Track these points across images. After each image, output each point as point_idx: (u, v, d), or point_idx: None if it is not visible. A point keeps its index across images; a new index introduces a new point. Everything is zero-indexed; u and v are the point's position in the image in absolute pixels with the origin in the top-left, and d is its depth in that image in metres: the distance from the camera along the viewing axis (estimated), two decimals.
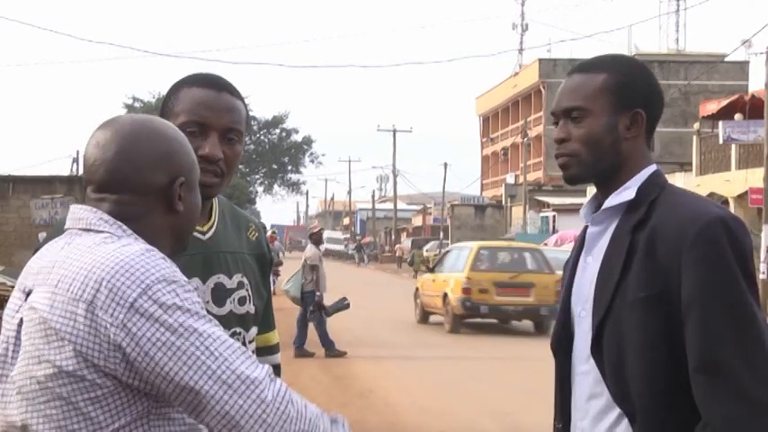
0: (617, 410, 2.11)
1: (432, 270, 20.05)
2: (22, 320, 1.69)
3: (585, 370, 2.19)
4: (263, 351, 2.47)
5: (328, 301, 14.56)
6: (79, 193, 25.43)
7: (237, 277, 2.33)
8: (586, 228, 2.30)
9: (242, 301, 2.32)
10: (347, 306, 14.80)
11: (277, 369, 2.51)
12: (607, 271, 2.14)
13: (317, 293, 14.32)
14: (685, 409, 2.02)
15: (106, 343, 1.60)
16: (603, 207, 2.22)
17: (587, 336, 2.18)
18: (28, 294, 1.70)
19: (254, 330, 2.37)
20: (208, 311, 2.23)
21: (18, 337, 1.69)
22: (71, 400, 1.61)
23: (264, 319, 2.48)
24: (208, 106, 2.22)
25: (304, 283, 14.43)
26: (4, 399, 1.69)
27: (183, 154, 1.80)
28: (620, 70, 2.23)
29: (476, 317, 18.02)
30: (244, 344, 2.32)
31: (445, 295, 18.24)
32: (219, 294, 2.28)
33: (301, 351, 14.30)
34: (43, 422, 1.63)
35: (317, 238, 15.21)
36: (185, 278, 1.71)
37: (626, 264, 2.11)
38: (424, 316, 19.66)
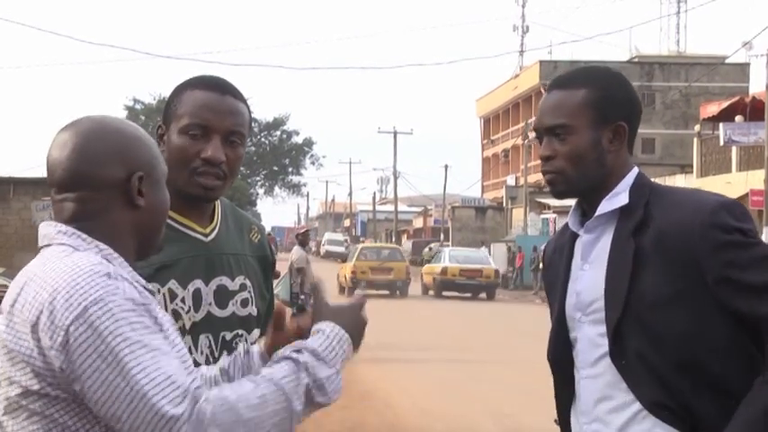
0: (631, 410, 2.14)
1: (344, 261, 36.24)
2: None
3: (593, 374, 2.21)
4: None
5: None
6: None
7: (240, 279, 2.33)
8: (571, 235, 2.32)
9: (244, 303, 2.32)
10: None
11: None
12: (616, 276, 2.16)
13: (302, 296, 14.23)
14: (726, 396, 2.08)
15: (51, 365, 1.61)
16: (597, 214, 2.23)
17: (594, 340, 2.20)
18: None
19: (256, 332, 2.37)
20: (210, 313, 2.26)
21: None
22: (45, 413, 1.64)
23: (267, 321, 2.48)
24: (211, 109, 2.23)
25: (293, 285, 14.37)
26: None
27: (140, 149, 1.79)
28: (599, 84, 2.25)
29: (358, 287, 25.25)
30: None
31: (344, 274, 32.96)
32: (222, 296, 2.28)
33: None
34: None
35: (303, 240, 15.17)
36: (137, 290, 1.67)
37: (635, 267, 2.13)
38: (341, 289, 31.99)
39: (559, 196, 2.31)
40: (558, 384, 2.35)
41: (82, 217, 1.74)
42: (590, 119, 2.23)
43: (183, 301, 2.22)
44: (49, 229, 1.76)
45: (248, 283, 2.35)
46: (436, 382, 12.32)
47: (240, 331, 2.31)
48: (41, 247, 1.76)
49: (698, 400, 2.09)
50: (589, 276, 2.23)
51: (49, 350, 1.60)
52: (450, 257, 32.64)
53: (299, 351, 1.74)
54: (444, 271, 31.80)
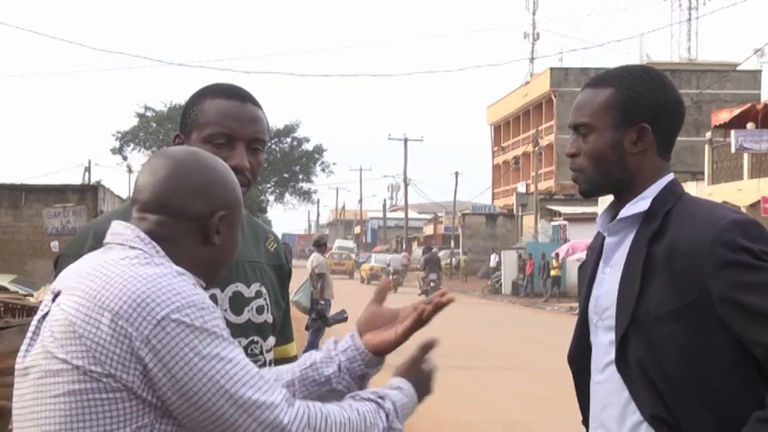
0: (632, 420, 2.13)
1: None
2: (44, 316, 1.75)
3: (601, 379, 2.21)
4: (282, 363, 2.46)
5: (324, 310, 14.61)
6: (91, 201, 25.51)
7: (256, 286, 2.33)
8: (602, 236, 2.30)
9: (260, 310, 2.33)
10: (345, 319, 14.70)
11: None
12: (627, 284, 2.15)
13: (321, 302, 14.27)
14: (723, 417, 2.04)
15: (128, 354, 1.63)
16: (618, 218, 2.22)
17: (605, 346, 2.19)
18: (56, 296, 1.75)
19: (271, 340, 2.37)
20: (225, 320, 2.26)
21: (36, 332, 1.75)
22: (81, 398, 1.64)
23: (282, 331, 2.48)
24: (234, 117, 2.24)
25: (313, 292, 14.36)
26: (20, 390, 1.73)
27: (227, 189, 1.84)
28: (626, 84, 2.22)
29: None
30: (261, 353, 2.33)
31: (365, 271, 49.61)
32: (237, 303, 2.29)
33: None
34: (52, 415, 1.66)
35: (321, 245, 15.15)
36: (214, 305, 1.73)
37: (644, 276, 2.11)
38: (362, 279, 43.68)
39: (584, 195, 2.31)
40: (578, 386, 2.34)
41: (158, 238, 1.78)
42: (612, 119, 2.21)
43: None
44: (125, 230, 1.79)
45: (264, 290, 2.35)
46: (448, 389, 12.29)
47: (256, 338, 2.31)
48: (107, 243, 1.80)
49: (694, 418, 2.05)
50: (608, 281, 2.22)
51: (134, 339, 1.63)
52: (375, 260, 52.68)
53: (382, 398, 1.89)
54: (372, 268, 50.06)
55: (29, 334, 1.77)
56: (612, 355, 2.16)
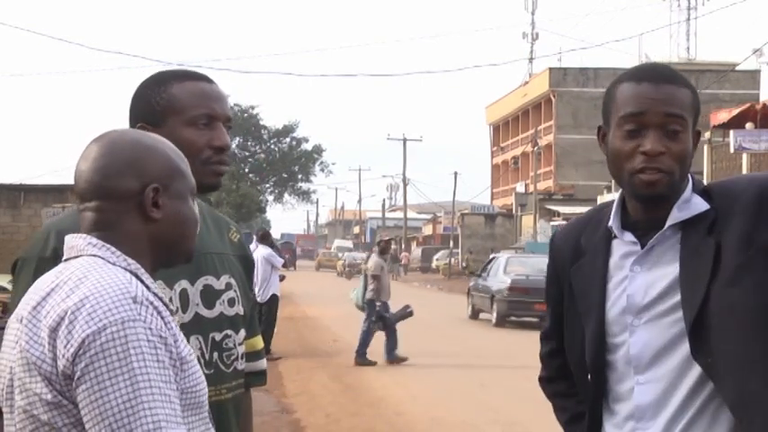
0: (690, 411, 2.11)
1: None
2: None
3: (646, 379, 2.16)
4: (251, 356, 2.44)
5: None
6: None
7: (225, 278, 2.31)
8: (605, 235, 2.25)
9: (231, 303, 2.31)
10: (410, 314, 14.94)
11: (263, 374, 2.51)
12: (692, 275, 2.11)
13: (378, 303, 14.43)
14: None
15: (60, 371, 1.62)
16: (671, 223, 2.16)
17: (654, 344, 2.15)
18: (21, 321, 1.72)
19: (242, 333, 2.35)
20: (198, 314, 2.23)
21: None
22: (54, 425, 1.64)
23: (250, 323, 2.45)
24: (213, 98, 2.26)
25: (366, 292, 14.56)
26: (16, 428, 1.71)
27: (158, 161, 1.79)
28: (692, 87, 2.20)
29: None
30: (234, 346, 2.30)
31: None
32: (209, 296, 2.27)
33: (363, 360, 14.38)
34: None
35: (383, 248, 15.14)
36: (162, 315, 1.68)
37: (715, 266, 2.09)
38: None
39: (652, 199, 2.16)
40: (599, 394, 2.27)
41: (100, 226, 1.76)
42: (692, 121, 2.17)
43: (170, 301, 2.18)
44: (78, 241, 1.77)
45: (233, 282, 2.33)
46: (447, 389, 12.30)
47: (229, 332, 2.29)
48: (67, 259, 1.76)
49: None
50: (641, 280, 2.17)
51: (61, 358, 1.61)
52: (348, 257, 57.46)
53: None
54: (344, 264, 56.07)
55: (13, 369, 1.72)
56: (671, 350, 2.13)
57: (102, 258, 1.72)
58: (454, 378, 13.36)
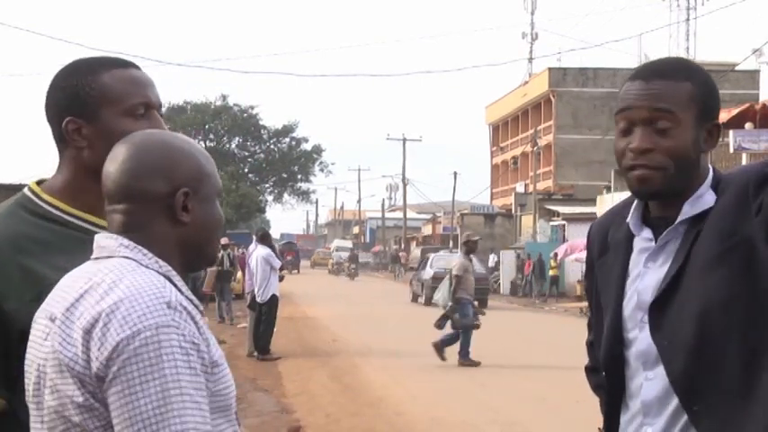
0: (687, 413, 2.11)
1: None
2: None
3: (654, 375, 2.16)
4: None
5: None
6: None
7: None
8: (627, 232, 2.24)
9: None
10: (477, 326, 14.67)
11: None
12: (704, 272, 2.10)
13: (449, 304, 14.45)
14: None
15: (93, 373, 1.61)
16: (681, 219, 2.15)
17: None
18: (53, 321, 1.71)
19: None
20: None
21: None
22: (85, 427, 1.63)
23: None
24: (146, 85, 2.13)
25: (452, 292, 14.52)
26: (43, 426, 1.71)
27: (189, 164, 1.78)
28: (700, 79, 2.14)
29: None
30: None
31: None
32: None
33: (466, 359, 14.40)
34: None
35: (470, 248, 15.00)
36: (194, 320, 1.67)
37: (690, 254, 2.10)
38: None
39: (651, 196, 2.16)
40: (613, 388, 2.27)
41: (130, 228, 1.75)
42: (694, 115, 2.12)
43: None
44: (109, 242, 1.76)
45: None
46: (447, 389, 12.30)
47: None
48: (98, 258, 1.76)
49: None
50: (653, 275, 2.17)
51: (94, 360, 1.60)
52: (335, 257, 65.86)
53: None
54: (333, 263, 64.30)
55: (41, 368, 1.71)
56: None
57: (135, 261, 1.71)
58: (454, 378, 13.36)
